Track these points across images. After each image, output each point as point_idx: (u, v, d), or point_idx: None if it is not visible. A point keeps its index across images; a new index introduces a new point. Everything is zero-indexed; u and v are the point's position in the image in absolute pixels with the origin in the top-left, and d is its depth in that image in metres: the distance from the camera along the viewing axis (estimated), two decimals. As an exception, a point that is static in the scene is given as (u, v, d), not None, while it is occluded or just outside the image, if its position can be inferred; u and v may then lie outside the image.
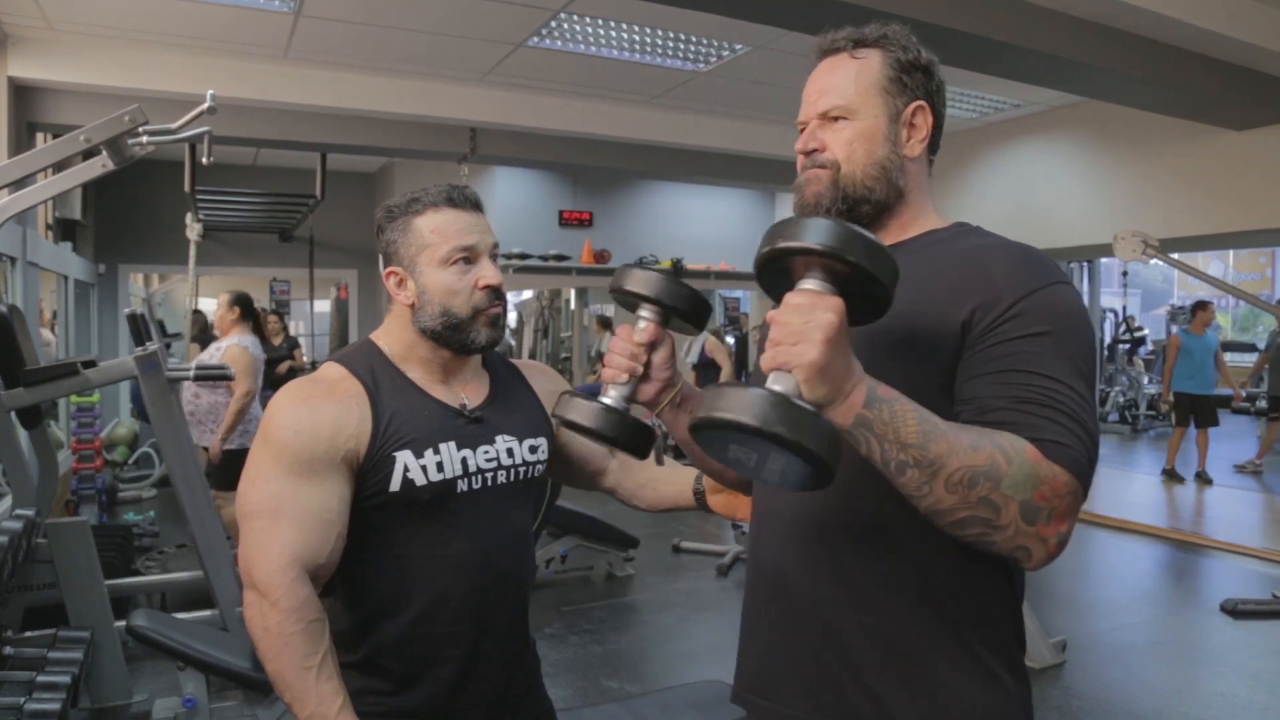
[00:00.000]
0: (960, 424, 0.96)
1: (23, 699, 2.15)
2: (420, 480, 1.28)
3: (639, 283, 1.13)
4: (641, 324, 1.16)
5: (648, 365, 1.16)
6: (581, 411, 1.12)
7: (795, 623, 1.14)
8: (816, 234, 0.86)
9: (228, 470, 4.74)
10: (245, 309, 4.90)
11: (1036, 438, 0.95)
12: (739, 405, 0.83)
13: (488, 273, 1.34)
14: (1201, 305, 8.19)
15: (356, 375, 1.32)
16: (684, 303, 1.13)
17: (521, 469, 1.39)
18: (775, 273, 0.93)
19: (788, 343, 0.87)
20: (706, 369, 7.86)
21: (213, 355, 4.79)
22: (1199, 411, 7.88)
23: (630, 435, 1.14)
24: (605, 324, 10.23)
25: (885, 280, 0.87)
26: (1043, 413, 0.96)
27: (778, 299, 0.93)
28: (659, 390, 1.18)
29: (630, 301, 1.17)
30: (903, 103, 1.14)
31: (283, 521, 1.21)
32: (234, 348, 4.72)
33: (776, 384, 0.87)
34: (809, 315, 0.87)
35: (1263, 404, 9.55)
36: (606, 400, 1.14)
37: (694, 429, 0.88)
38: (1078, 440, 0.95)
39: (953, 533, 0.95)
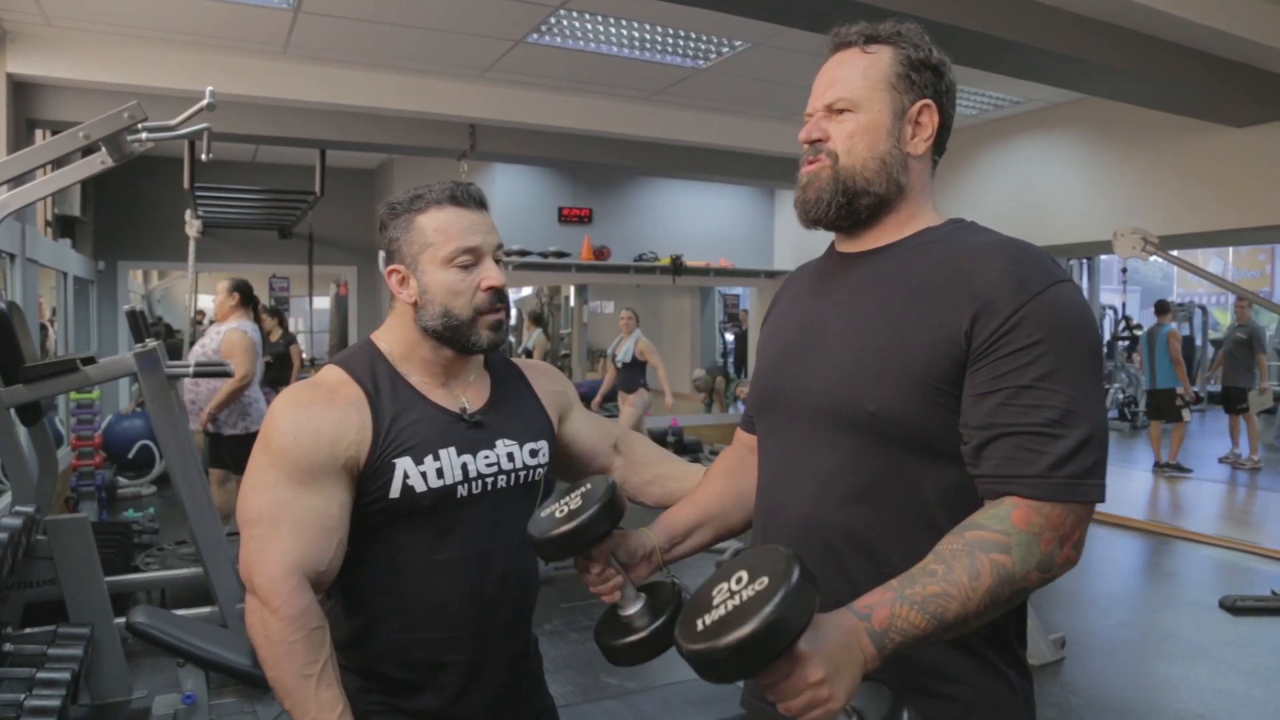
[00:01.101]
0: (948, 552, 0.96)
1: (23, 695, 2.15)
2: (420, 487, 1.27)
3: (561, 545, 1.14)
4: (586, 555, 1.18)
5: (623, 564, 1.20)
6: (633, 654, 1.14)
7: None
8: (744, 663, 0.81)
9: (230, 454, 4.79)
10: (245, 296, 4.97)
11: (1024, 476, 0.97)
12: None
13: (490, 274, 1.32)
14: (1165, 305, 8.80)
15: (357, 380, 1.30)
16: (601, 529, 1.14)
17: (522, 473, 1.38)
18: None
19: (810, 714, 0.86)
20: (633, 368, 7.57)
21: (212, 339, 4.84)
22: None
23: (672, 628, 1.13)
24: (536, 320, 10.14)
25: (806, 622, 0.83)
26: (1031, 444, 0.98)
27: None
28: (650, 568, 1.24)
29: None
30: (909, 100, 1.14)
31: (283, 528, 1.20)
32: (233, 332, 4.80)
33: None
34: (803, 692, 0.85)
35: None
36: (630, 614, 1.16)
37: None
38: (1067, 463, 0.97)
39: None
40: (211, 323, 5.33)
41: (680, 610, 1.13)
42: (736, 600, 0.83)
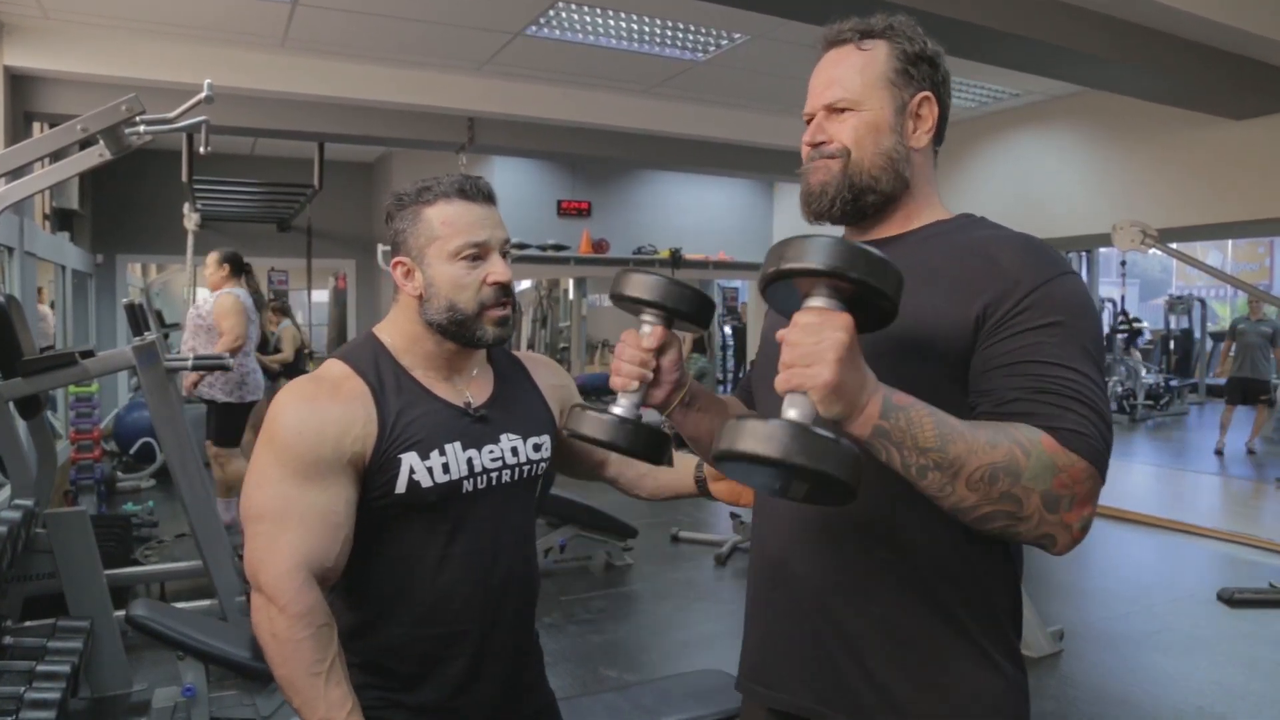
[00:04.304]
0: (976, 421, 0.96)
1: (22, 688, 2.16)
2: (426, 482, 1.26)
3: (641, 288, 1.10)
4: (646, 329, 1.13)
5: (657, 369, 1.16)
6: (596, 426, 1.10)
7: (797, 611, 1.15)
8: (820, 254, 0.85)
9: (225, 424, 4.80)
10: (235, 265, 5.04)
11: (1053, 426, 0.96)
12: (761, 438, 0.83)
13: (497, 269, 1.31)
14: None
15: (360, 374, 1.29)
16: (688, 305, 1.10)
17: (526, 467, 1.38)
18: (782, 291, 0.93)
19: (800, 364, 0.87)
20: None
21: (205, 303, 4.91)
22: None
23: (647, 445, 1.12)
24: (282, 311, 9.19)
25: (890, 293, 0.88)
26: (1059, 401, 0.97)
27: (786, 315, 0.93)
28: (669, 393, 1.18)
29: (633, 307, 1.14)
30: (909, 94, 1.14)
31: (289, 524, 1.19)
32: (225, 296, 4.87)
33: (792, 409, 0.88)
34: (819, 335, 0.87)
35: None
36: (618, 410, 1.12)
37: (718, 459, 0.89)
38: (1092, 427, 0.96)
39: (977, 527, 0.96)
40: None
41: (660, 444, 1.12)
42: None
